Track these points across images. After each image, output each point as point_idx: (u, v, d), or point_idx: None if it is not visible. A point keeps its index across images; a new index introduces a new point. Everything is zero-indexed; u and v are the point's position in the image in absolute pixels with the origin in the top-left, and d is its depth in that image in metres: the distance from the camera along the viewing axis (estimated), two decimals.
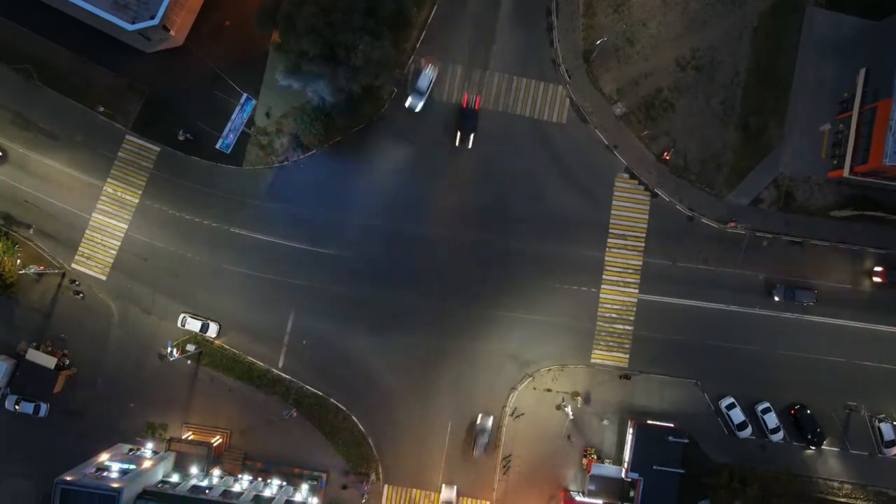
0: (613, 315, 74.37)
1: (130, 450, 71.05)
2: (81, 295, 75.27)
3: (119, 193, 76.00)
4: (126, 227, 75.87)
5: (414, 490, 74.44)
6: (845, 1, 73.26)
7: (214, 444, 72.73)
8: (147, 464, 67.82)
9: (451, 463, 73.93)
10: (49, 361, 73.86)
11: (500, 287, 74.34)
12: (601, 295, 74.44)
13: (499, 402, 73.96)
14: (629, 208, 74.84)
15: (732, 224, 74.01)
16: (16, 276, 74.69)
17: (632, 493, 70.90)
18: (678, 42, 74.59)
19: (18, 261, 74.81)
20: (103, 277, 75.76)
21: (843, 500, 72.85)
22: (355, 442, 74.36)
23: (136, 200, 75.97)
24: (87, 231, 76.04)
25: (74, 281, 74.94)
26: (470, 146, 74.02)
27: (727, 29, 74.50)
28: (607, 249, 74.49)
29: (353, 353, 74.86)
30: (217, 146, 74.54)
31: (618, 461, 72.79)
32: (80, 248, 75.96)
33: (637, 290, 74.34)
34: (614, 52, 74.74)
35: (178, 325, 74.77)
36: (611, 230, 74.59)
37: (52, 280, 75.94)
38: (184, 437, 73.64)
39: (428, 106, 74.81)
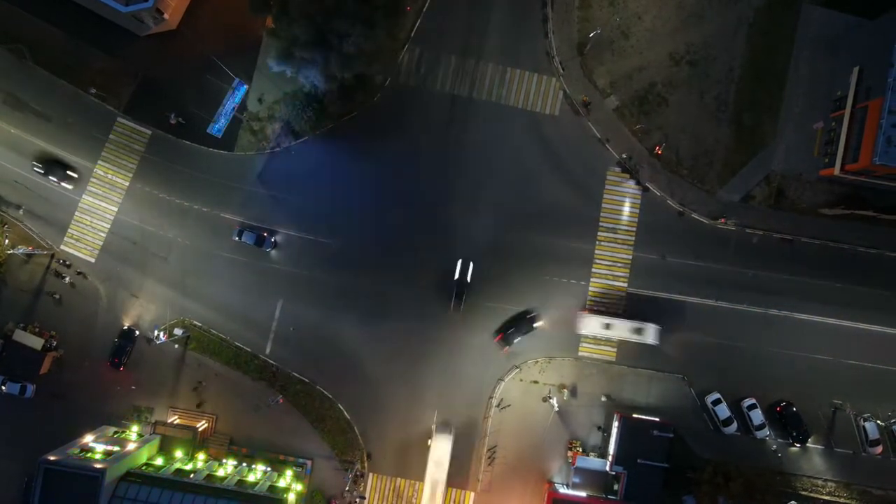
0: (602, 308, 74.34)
1: (115, 432, 71.04)
2: (69, 278, 75.45)
3: (110, 176, 76.01)
4: (116, 209, 75.97)
5: (399, 479, 74.50)
6: None
7: (200, 429, 72.74)
8: (131, 446, 67.87)
9: None
10: (36, 342, 73.98)
11: (489, 278, 74.20)
12: (590, 288, 74.39)
13: (485, 392, 73.95)
14: (620, 202, 74.76)
15: (723, 220, 73.97)
16: (4, 257, 74.64)
17: (616, 487, 70.92)
18: (673, 36, 74.45)
19: (7, 241, 74.77)
20: (92, 260, 75.80)
21: (826, 497, 72.86)
22: (341, 430, 74.41)
23: (127, 183, 75.99)
24: (76, 213, 76.08)
25: (63, 276, 74.80)
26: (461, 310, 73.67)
27: (722, 24, 74.34)
28: (597, 243, 74.44)
29: (340, 341, 74.88)
30: (208, 131, 74.32)
31: (603, 454, 72.81)
32: (69, 230, 76.12)
33: (626, 284, 74.29)
34: (609, 45, 74.64)
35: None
36: (601, 223, 74.55)
37: (41, 261, 75.87)
38: (169, 421, 73.65)
39: (419, 93, 74.97)
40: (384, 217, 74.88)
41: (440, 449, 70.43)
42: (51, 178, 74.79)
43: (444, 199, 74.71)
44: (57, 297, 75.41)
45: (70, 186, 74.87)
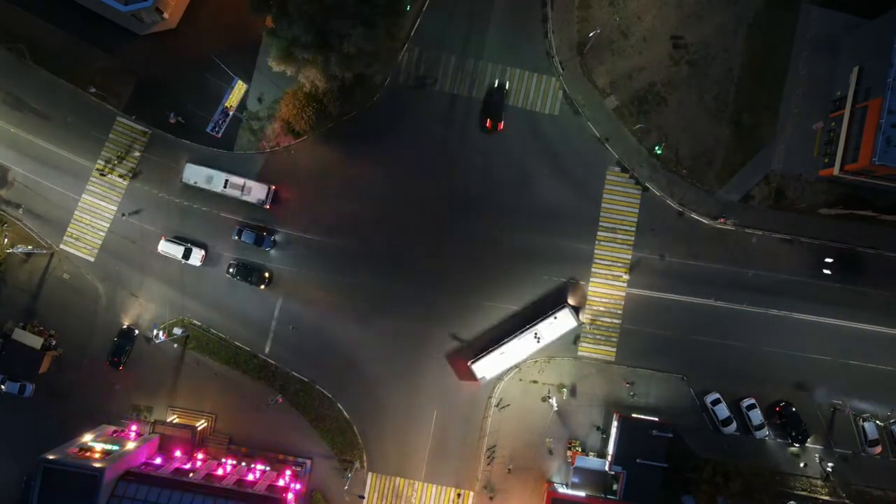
0: (601, 308, 74.33)
1: (114, 431, 71.01)
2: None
3: (109, 175, 75.82)
4: (115, 208, 75.87)
5: (398, 478, 74.51)
6: None
7: (199, 428, 72.72)
8: (130, 445, 67.84)
9: (435, 452, 73.96)
10: (35, 342, 73.99)
11: (488, 277, 74.26)
12: (590, 288, 74.38)
13: (484, 392, 73.97)
14: (620, 202, 74.73)
15: (722, 220, 73.97)
16: (4, 256, 74.66)
17: (615, 486, 70.90)
18: (673, 36, 74.38)
19: (6, 240, 74.77)
20: (91, 259, 75.83)
21: (825, 497, 72.83)
22: (340, 429, 74.47)
23: (126, 182, 75.89)
24: (75, 212, 76.10)
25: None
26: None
27: (722, 24, 74.31)
28: (597, 242, 74.42)
29: (339, 340, 74.93)
30: (208, 130, 74.26)
31: (602, 454, 72.84)
32: (68, 229, 76.14)
33: (625, 284, 74.28)
34: (608, 45, 74.63)
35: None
36: (601, 223, 74.53)
37: (41, 260, 75.86)
38: (168, 420, 73.63)
39: (418, 96, 74.93)
40: (383, 216, 74.87)
41: (562, 322, 71.63)
42: (246, 281, 74.41)
43: (443, 198, 74.70)
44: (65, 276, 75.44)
45: (263, 287, 74.61)
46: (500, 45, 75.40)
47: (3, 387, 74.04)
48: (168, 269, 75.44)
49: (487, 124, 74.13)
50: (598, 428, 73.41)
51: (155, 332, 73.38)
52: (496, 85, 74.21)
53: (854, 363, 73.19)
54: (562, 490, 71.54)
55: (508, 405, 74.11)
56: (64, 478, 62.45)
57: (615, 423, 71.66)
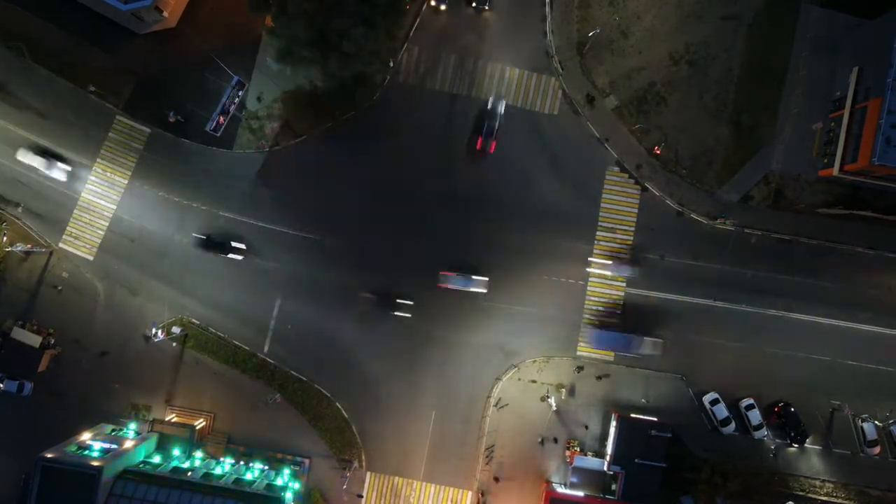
0: (600, 308, 74.27)
1: (113, 430, 71.01)
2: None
3: (108, 174, 75.90)
4: (114, 207, 75.90)
5: (396, 478, 74.50)
6: None
7: (198, 427, 72.69)
8: (129, 444, 67.86)
9: (434, 451, 73.95)
10: (34, 340, 73.98)
11: (487, 277, 74.12)
12: (588, 287, 74.33)
13: (483, 392, 73.94)
14: (619, 202, 74.68)
15: (721, 220, 73.93)
16: (3, 255, 74.66)
17: (614, 486, 70.87)
18: (672, 36, 74.32)
19: (5, 238, 74.78)
20: (90, 258, 75.79)
21: (824, 498, 72.89)
22: (339, 429, 74.46)
23: (126, 181, 75.89)
24: (75, 211, 76.04)
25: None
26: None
27: (722, 24, 74.16)
28: (596, 242, 74.38)
29: (338, 339, 74.88)
30: (207, 128, 74.22)
31: (600, 454, 72.77)
32: (67, 228, 76.06)
33: (624, 284, 74.23)
34: (608, 44, 74.54)
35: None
36: (600, 223, 74.48)
37: (40, 259, 75.87)
38: (167, 419, 73.62)
39: (418, 96, 74.87)
40: (383, 216, 74.82)
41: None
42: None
43: (443, 198, 74.61)
44: (59, 288, 75.50)
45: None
46: (499, 45, 75.26)
47: (1, 385, 73.97)
48: (167, 267, 75.40)
49: (478, 145, 73.36)
50: (585, 427, 73.36)
51: (154, 330, 73.33)
52: (489, 105, 73.42)
53: (853, 363, 73.17)
54: (560, 490, 71.50)
55: (507, 405, 74.09)
56: (62, 476, 62.40)
57: (613, 423, 71.62)
